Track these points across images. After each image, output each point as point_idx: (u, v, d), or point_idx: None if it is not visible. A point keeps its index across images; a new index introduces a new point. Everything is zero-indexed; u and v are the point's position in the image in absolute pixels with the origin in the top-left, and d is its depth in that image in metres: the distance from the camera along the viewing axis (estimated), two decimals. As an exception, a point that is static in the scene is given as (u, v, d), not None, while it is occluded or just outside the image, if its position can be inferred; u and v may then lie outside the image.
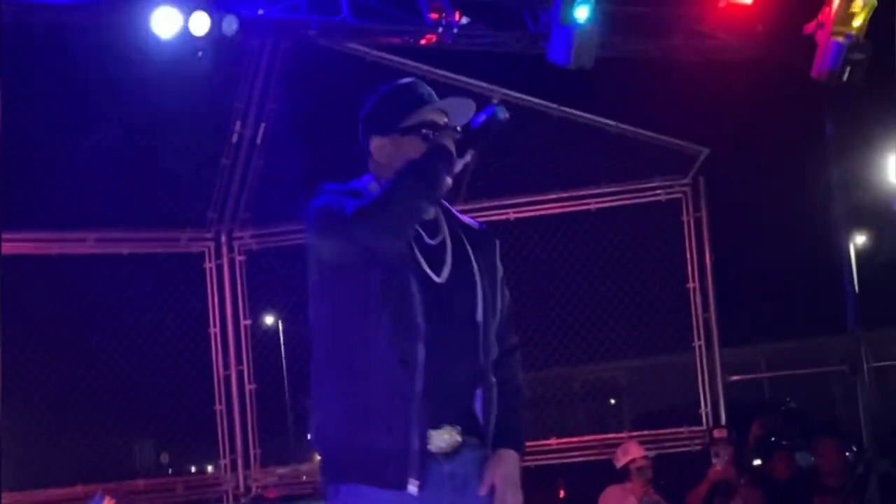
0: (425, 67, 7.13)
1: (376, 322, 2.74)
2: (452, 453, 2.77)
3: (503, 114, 2.92)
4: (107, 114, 7.01)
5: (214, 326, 7.68)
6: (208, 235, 7.70)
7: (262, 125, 7.38)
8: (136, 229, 7.51)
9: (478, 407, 2.84)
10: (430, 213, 2.88)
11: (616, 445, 7.26)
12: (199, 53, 5.40)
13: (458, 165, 2.90)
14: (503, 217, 7.63)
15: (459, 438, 2.78)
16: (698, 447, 7.57)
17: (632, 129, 7.36)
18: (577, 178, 7.56)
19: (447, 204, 2.99)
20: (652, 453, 7.11)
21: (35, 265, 7.28)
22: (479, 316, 2.83)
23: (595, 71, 6.25)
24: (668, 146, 7.46)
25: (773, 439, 8.61)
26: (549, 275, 7.77)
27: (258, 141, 7.43)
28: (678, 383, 8.37)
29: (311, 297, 2.92)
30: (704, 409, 7.64)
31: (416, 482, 2.69)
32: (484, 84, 7.30)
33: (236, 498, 7.52)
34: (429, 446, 2.74)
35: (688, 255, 7.59)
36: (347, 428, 2.75)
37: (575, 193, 7.59)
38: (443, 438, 2.76)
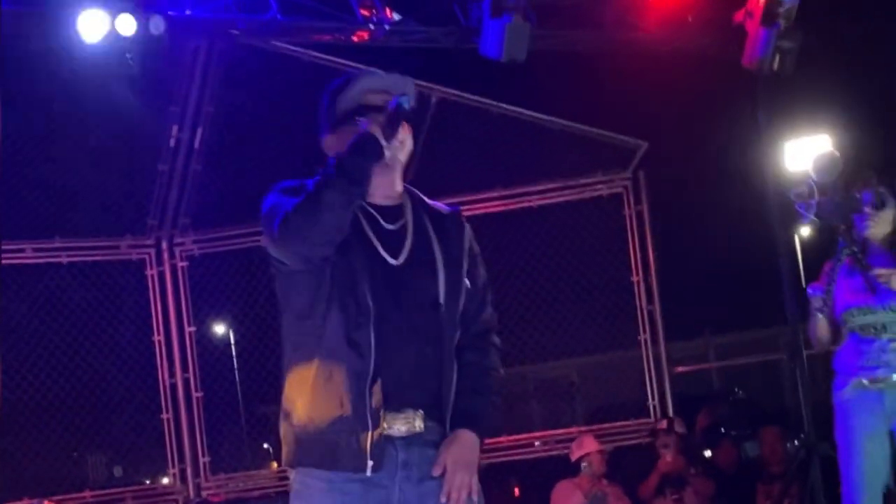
0: (363, 67, 7.11)
1: (328, 309, 2.74)
2: (410, 440, 2.75)
3: (407, 103, 2.80)
4: (41, 122, 6.93)
5: (158, 334, 7.60)
6: (149, 242, 7.62)
7: (200, 129, 7.32)
8: (75, 238, 7.42)
9: (442, 389, 2.79)
10: (357, 203, 2.78)
11: (568, 441, 7.28)
12: (128, 55, 5.35)
13: (387, 151, 2.79)
14: (445, 216, 7.61)
15: (420, 424, 2.76)
16: (647, 439, 7.60)
17: (571, 124, 7.39)
18: (518, 175, 7.57)
19: (416, 191, 2.96)
20: (608, 447, 7.15)
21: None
22: (442, 298, 2.79)
23: (531, 66, 6.27)
24: (608, 141, 7.49)
25: (721, 430, 8.69)
26: (494, 274, 7.75)
27: (196, 145, 7.37)
28: (630, 378, 8.40)
29: (277, 293, 2.90)
30: (652, 402, 7.67)
31: (371, 462, 2.69)
32: (422, 82, 7.28)
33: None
34: (387, 430, 2.72)
35: (630, 249, 7.62)
36: (306, 414, 2.76)
37: (517, 191, 7.60)
38: (402, 423, 2.74)
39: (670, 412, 7.62)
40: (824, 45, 6.34)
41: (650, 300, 7.62)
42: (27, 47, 6.04)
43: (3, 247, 7.21)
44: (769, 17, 6.08)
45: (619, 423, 7.79)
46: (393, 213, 2.85)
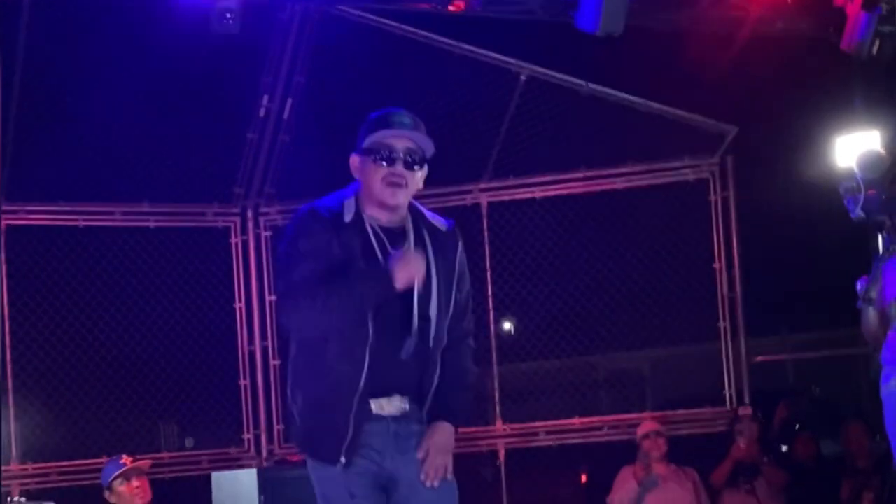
0: (452, 42, 7.14)
1: (337, 330, 3.15)
2: (399, 418, 3.23)
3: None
4: (135, 85, 7.03)
5: (239, 302, 7.70)
6: (234, 210, 7.72)
7: (290, 100, 7.39)
8: (163, 203, 7.53)
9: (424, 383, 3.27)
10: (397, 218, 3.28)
11: (638, 426, 7.23)
12: (228, 15, 5.41)
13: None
14: (528, 195, 7.61)
15: (406, 406, 3.23)
16: (722, 428, 7.52)
17: (660, 106, 7.31)
18: (604, 156, 7.52)
19: (417, 206, 3.33)
20: (682, 432, 7.10)
21: (62, 237, 7.32)
22: (433, 315, 3.22)
23: (622, 44, 6.23)
24: (697, 124, 7.41)
25: (797, 426, 8.56)
26: (572, 257, 7.73)
27: (285, 115, 7.44)
28: (702, 373, 8.32)
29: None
30: (728, 391, 7.58)
31: (343, 459, 3.15)
32: (511, 60, 7.30)
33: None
34: (380, 411, 3.20)
35: (714, 236, 7.54)
36: (304, 411, 3.22)
37: (601, 172, 7.55)
38: (392, 405, 3.21)
39: (746, 401, 7.53)
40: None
41: (731, 288, 7.53)
42: (125, 8, 6.13)
43: (93, 209, 7.37)
44: (871, 0, 5.97)
45: (693, 411, 7.71)
46: (398, 236, 3.23)
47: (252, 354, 7.73)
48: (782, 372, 11.23)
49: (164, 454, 7.59)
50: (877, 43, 6.06)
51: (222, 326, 7.74)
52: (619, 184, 7.56)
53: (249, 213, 7.74)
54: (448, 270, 3.27)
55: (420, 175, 3.26)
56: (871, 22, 6.04)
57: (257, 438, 7.72)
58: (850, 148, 5.97)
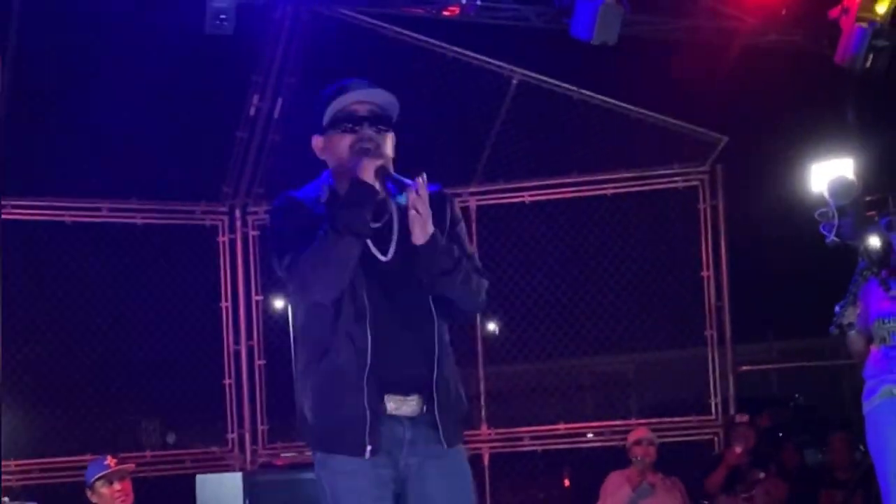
0: (445, 45, 7.12)
1: (332, 310, 2.99)
2: (416, 420, 3.02)
3: (404, 201, 2.96)
4: (125, 81, 6.99)
5: (226, 301, 7.67)
6: (222, 209, 7.69)
7: (280, 99, 7.35)
8: (151, 200, 7.49)
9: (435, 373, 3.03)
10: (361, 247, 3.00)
11: (623, 432, 7.24)
12: (223, 17, 5.38)
13: (380, 190, 2.96)
14: (518, 199, 7.60)
15: (424, 407, 3.02)
16: (708, 436, 7.54)
17: (651, 114, 7.32)
18: (594, 162, 7.52)
19: (398, 177, 3.04)
20: (667, 440, 7.10)
21: (48, 233, 7.27)
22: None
23: (614, 52, 6.23)
24: (688, 133, 7.42)
25: (781, 434, 8.60)
26: (562, 260, 7.74)
27: (275, 115, 7.41)
28: (687, 378, 8.33)
29: (288, 289, 3.14)
30: (714, 399, 7.59)
31: (370, 446, 2.96)
32: (504, 64, 7.28)
33: (244, 469, 7.49)
34: (395, 411, 3.00)
35: (703, 244, 7.55)
36: (315, 403, 3.01)
37: (592, 178, 7.56)
38: (408, 406, 3.01)
39: (732, 411, 7.55)
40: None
41: (719, 297, 7.55)
42: (117, 6, 6.09)
43: (80, 204, 7.32)
44: (865, 14, 5.99)
45: (679, 419, 7.73)
46: (379, 207, 3.02)
47: (237, 354, 7.70)
48: (767, 380, 11.29)
49: (147, 453, 7.56)
50: (870, 57, 6.08)
51: (208, 325, 7.70)
52: (609, 190, 7.57)
53: (237, 212, 7.71)
54: (440, 231, 3.04)
55: (391, 139, 3.08)
56: (865, 35, 6.05)
57: (241, 438, 7.68)
58: (824, 175, 6.00)
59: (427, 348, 3.01)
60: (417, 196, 2.92)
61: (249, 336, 7.71)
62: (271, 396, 7.76)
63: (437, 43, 7.11)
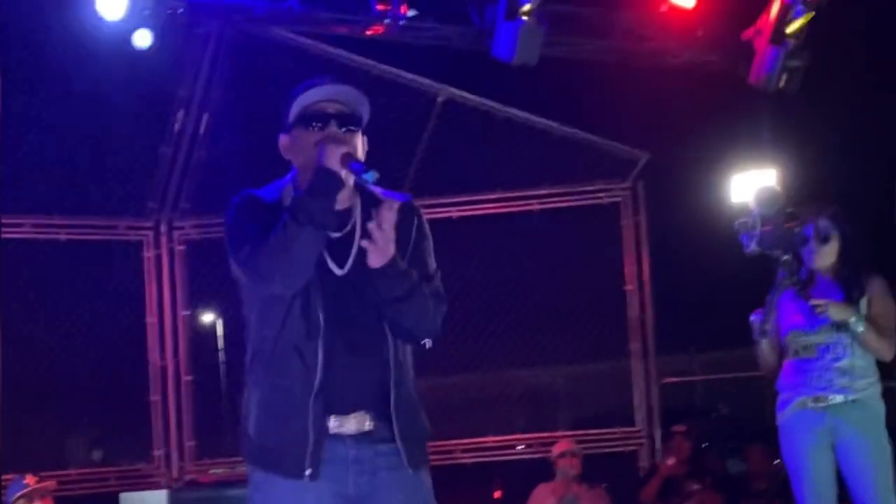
0: (370, 62, 7.18)
1: (282, 321, 2.86)
2: (360, 438, 2.87)
3: (372, 179, 2.81)
4: (48, 97, 6.94)
5: (152, 316, 7.62)
6: (148, 224, 7.65)
7: (206, 115, 7.35)
8: (75, 216, 7.43)
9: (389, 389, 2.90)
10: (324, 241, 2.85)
11: (552, 444, 7.32)
12: (145, 35, 5.37)
13: (346, 178, 2.83)
14: (446, 215, 7.66)
15: (369, 424, 2.88)
16: (633, 448, 7.67)
17: (574, 131, 7.45)
18: (519, 178, 7.62)
19: (369, 186, 2.90)
20: (594, 452, 7.19)
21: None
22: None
23: (538, 70, 6.33)
24: (610, 150, 7.56)
25: (704, 445, 8.74)
26: (488, 276, 7.81)
27: (201, 130, 7.40)
28: (615, 391, 8.45)
29: (241, 296, 3.00)
30: (639, 411, 7.72)
31: (310, 469, 2.83)
32: (429, 82, 7.35)
33: (170, 487, 7.44)
34: (338, 429, 2.86)
35: (626, 259, 7.68)
36: (258, 420, 2.90)
37: (518, 194, 7.66)
38: (352, 423, 2.87)
39: (657, 423, 7.68)
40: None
41: (643, 310, 7.68)
42: (39, 20, 6.05)
43: (3, 220, 7.23)
44: (778, 35, 6.15)
45: (605, 430, 7.84)
46: (341, 217, 2.90)
47: (164, 370, 7.65)
48: (691, 391, 11.47)
49: (71, 471, 7.49)
50: (784, 77, 6.23)
51: (133, 341, 7.65)
52: (535, 205, 7.67)
53: (163, 228, 7.68)
54: (402, 248, 2.88)
55: (359, 140, 2.94)
56: (778, 56, 6.21)
57: (168, 455, 7.63)
58: (746, 185, 6.16)
59: (382, 369, 2.88)
60: (385, 211, 2.78)
61: (176, 352, 7.67)
62: (198, 412, 7.73)
63: (363, 60, 7.16)
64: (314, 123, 2.91)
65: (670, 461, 6.98)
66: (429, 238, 3.03)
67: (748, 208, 4.72)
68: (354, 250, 2.89)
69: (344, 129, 2.91)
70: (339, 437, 2.85)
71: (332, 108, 2.93)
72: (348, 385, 2.87)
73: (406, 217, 2.93)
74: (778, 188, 4.95)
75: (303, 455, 2.82)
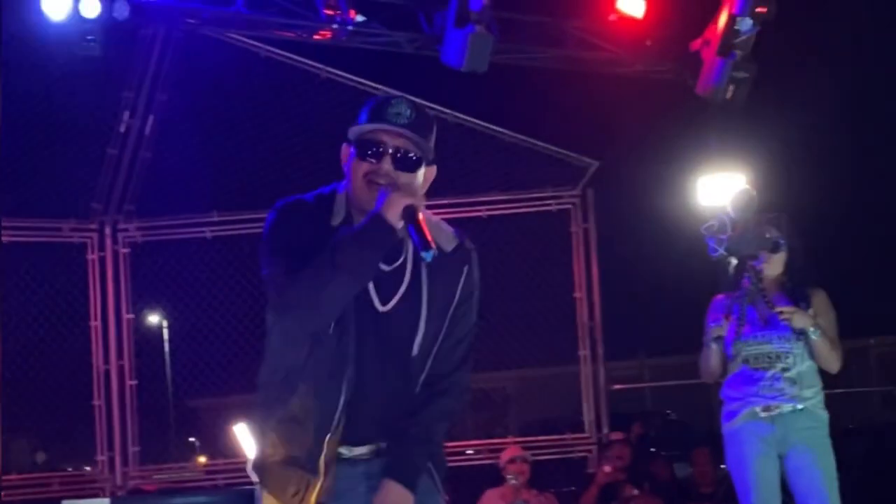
0: (317, 65, 7.12)
1: (309, 351, 2.69)
2: (371, 457, 2.76)
3: (429, 258, 2.61)
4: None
5: (95, 320, 7.51)
6: (92, 226, 7.54)
7: (151, 116, 7.25)
8: (15, 217, 7.30)
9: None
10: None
11: (502, 450, 7.32)
12: (90, 38, 5.29)
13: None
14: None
15: (382, 445, 2.76)
16: (582, 454, 7.68)
17: (524, 138, 7.44)
18: (468, 184, 7.59)
19: (430, 215, 2.74)
20: (543, 458, 7.19)
21: None
22: (416, 350, 2.72)
23: (489, 77, 6.31)
24: (560, 157, 7.56)
25: (652, 449, 8.79)
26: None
27: (147, 132, 7.30)
28: (565, 394, 8.47)
29: (269, 304, 2.79)
30: (588, 417, 7.74)
31: (323, 498, 2.71)
32: (380, 86, 7.30)
33: (113, 494, 7.35)
34: (351, 454, 2.74)
35: (575, 266, 7.69)
36: (271, 445, 2.78)
37: (467, 200, 7.63)
38: (364, 449, 2.75)
39: (605, 429, 7.70)
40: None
41: (591, 317, 7.70)
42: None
43: (-58, 221, 7.09)
44: (726, 46, 6.17)
45: (554, 437, 7.85)
46: (394, 249, 2.69)
47: (107, 374, 7.54)
48: (641, 396, 11.55)
49: (13, 476, 7.37)
50: (731, 88, 6.25)
51: (76, 344, 7.54)
52: (483, 212, 7.65)
53: (108, 230, 7.57)
54: (443, 300, 2.71)
55: (418, 177, 2.70)
56: (725, 67, 6.23)
57: (111, 460, 7.53)
58: (712, 188, 6.10)
59: (404, 401, 2.73)
60: None
61: (120, 355, 7.56)
62: (143, 418, 7.63)
63: (310, 63, 7.10)
64: (367, 153, 2.67)
65: (606, 468, 7.00)
66: (477, 289, 2.81)
67: (719, 211, 4.63)
68: (404, 288, 2.69)
69: (398, 169, 2.68)
70: (350, 460, 2.74)
71: (392, 143, 2.67)
72: (368, 421, 2.73)
73: (458, 265, 2.76)
74: (753, 192, 4.73)
75: (309, 491, 2.70)
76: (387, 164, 2.67)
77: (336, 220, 2.70)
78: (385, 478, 2.71)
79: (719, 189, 5.86)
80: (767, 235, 4.61)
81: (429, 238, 2.58)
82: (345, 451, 2.73)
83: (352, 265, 2.58)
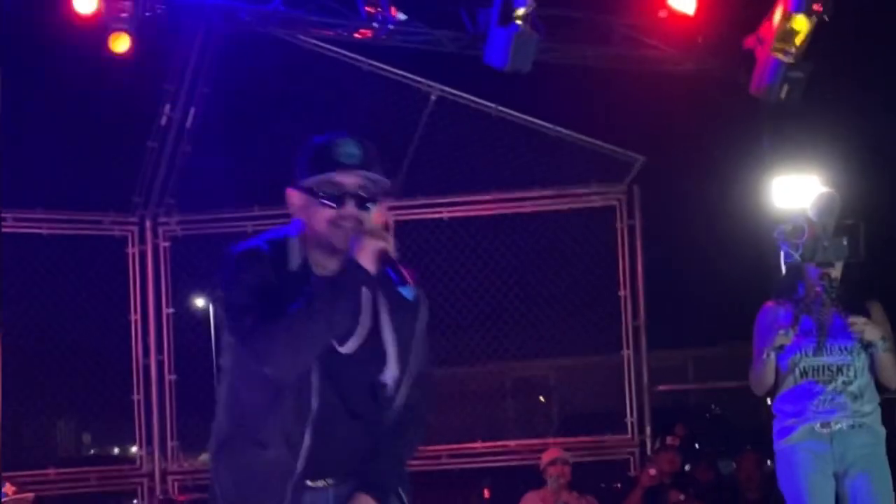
0: (360, 58, 6.99)
1: (273, 396, 2.67)
2: (337, 483, 2.75)
3: (409, 295, 2.67)
4: (32, 91, 6.77)
5: (135, 313, 7.48)
6: (132, 220, 7.50)
7: (192, 109, 7.17)
8: (57, 210, 7.27)
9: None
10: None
11: (543, 451, 7.20)
12: (125, 31, 5.21)
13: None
14: (436, 216, 7.52)
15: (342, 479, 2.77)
16: (624, 456, 7.55)
17: (570, 133, 7.28)
18: (512, 179, 7.46)
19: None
20: (584, 459, 7.08)
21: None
22: (388, 389, 2.74)
23: (536, 74, 6.16)
24: (606, 152, 7.39)
25: (696, 446, 8.65)
26: (480, 274, 7.69)
27: (188, 125, 7.22)
28: (608, 383, 8.35)
29: (222, 349, 2.77)
30: (630, 419, 7.60)
31: None
32: (421, 79, 7.17)
33: (150, 490, 7.35)
34: (315, 484, 2.73)
35: (620, 263, 7.52)
36: (231, 489, 2.74)
37: (510, 195, 7.49)
38: (329, 480, 2.74)
39: (647, 429, 7.56)
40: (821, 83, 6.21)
41: (636, 316, 7.54)
42: (25, 17, 5.89)
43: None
44: (781, 45, 5.95)
45: (596, 438, 7.73)
46: None
47: (147, 368, 7.52)
48: (684, 390, 11.37)
49: (51, 471, 7.36)
50: (785, 87, 6.04)
51: (116, 338, 7.52)
52: (528, 207, 7.51)
53: (148, 223, 7.52)
54: (405, 337, 2.75)
55: (377, 210, 2.71)
56: (780, 66, 6.02)
57: (150, 454, 7.52)
58: (788, 189, 5.88)
59: (368, 440, 2.74)
60: None
61: (160, 350, 7.53)
62: (182, 412, 7.60)
63: (353, 56, 6.97)
64: (329, 199, 2.67)
65: (651, 471, 6.84)
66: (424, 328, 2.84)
67: (796, 215, 4.41)
68: (360, 330, 2.69)
69: (362, 209, 2.67)
70: (316, 489, 2.72)
71: (351, 185, 2.67)
72: (331, 462, 2.72)
73: (415, 304, 2.75)
74: (837, 195, 4.46)
75: None
76: (350, 207, 2.68)
77: (293, 266, 2.70)
78: (356, 491, 2.72)
79: (791, 191, 5.63)
80: (844, 243, 4.41)
81: (406, 275, 2.61)
82: (309, 483, 2.71)
83: (329, 313, 2.59)
